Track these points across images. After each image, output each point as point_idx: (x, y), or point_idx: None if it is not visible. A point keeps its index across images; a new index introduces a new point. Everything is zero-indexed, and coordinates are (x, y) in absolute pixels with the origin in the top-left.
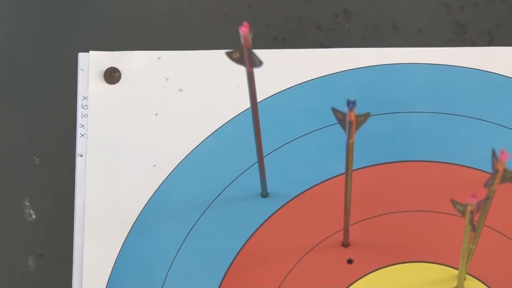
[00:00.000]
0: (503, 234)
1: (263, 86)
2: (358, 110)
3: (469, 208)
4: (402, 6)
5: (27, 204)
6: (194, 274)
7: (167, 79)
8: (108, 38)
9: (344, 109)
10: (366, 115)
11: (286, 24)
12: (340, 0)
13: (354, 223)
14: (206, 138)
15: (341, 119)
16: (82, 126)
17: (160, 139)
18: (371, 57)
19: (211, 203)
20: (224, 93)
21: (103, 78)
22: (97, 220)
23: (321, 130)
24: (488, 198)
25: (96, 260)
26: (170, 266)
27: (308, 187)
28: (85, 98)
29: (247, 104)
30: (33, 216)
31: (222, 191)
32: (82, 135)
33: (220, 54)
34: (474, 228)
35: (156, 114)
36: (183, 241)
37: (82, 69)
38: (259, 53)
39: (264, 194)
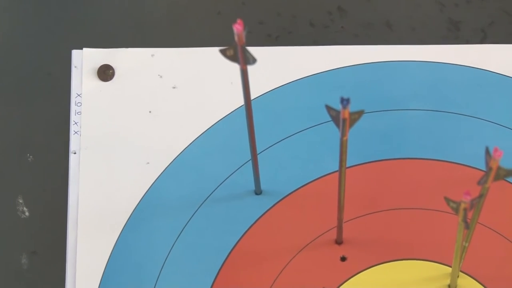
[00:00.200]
0: (496, 232)
1: (257, 84)
2: (352, 107)
3: (462, 206)
4: (395, 3)
5: (21, 201)
6: (187, 271)
7: (161, 77)
8: (102, 35)
9: (338, 106)
10: (360, 113)
11: (280, 22)
12: None
13: (348, 221)
14: (200, 135)
15: (335, 116)
16: (76, 123)
17: (154, 137)
18: (365, 54)
19: (205, 200)
20: (218, 90)
21: (96, 75)
22: (90, 217)
23: (315, 127)
24: (481, 196)
25: (89, 257)
26: (164, 264)
27: (301, 185)
28: (78, 95)
29: (240, 101)
30: (27, 214)
31: (216, 189)
32: (76, 132)
33: (214, 52)
34: (467, 226)
35: (150, 112)
36: (177, 238)
37: (75, 66)
38: (253, 50)
39: (258, 191)
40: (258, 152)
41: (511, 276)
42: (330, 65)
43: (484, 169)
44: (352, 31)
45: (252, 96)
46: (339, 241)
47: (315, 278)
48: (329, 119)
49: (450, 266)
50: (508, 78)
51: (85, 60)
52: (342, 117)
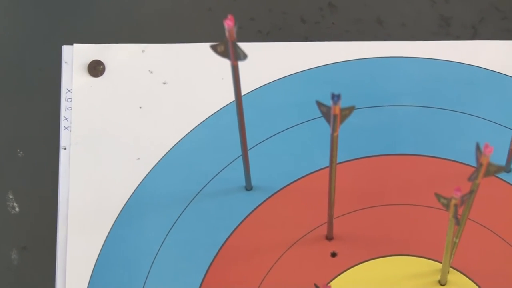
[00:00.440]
0: (487, 228)
1: (248, 80)
2: (343, 103)
3: (453, 202)
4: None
5: (11, 197)
6: (178, 267)
7: (151, 72)
8: (92, 31)
9: (329, 102)
10: (351, 109)
11: (271, 18)
12: None
13: (338, 217)
14: (190, 131)
15: (325, 112)
16: (66, 119)
17: (144, 132)
18: (356, 50)
19: (195, 196)
20: (209, 86)
21: (87, 71)
22: (81, 213)
23: (306, 123)
24: (472, 192)
25: (79, 253)
26: (154, 259)
27: (292, 181)
28: (69, 91)
29: (231, 97)
30: (17, 209)
31: (206, 185)
32: (66, 128)
33: (204, 47)
34: (458, 222)
35: (140, 107)
36: (167, 234)
37: (66, 62)
38: (244, 46)
39: (248, 187)
40: (248, 148)
41: (501, 271)
42: (321, 61)
43: (474, 165)
44: (343, 27)
45: (243, 92)
46: (329, 237)
47: (306, 274)
48: (320, 115)
49: (441, 262)
50: (499, 74)
51: (75, 56)
52: (333, 113)
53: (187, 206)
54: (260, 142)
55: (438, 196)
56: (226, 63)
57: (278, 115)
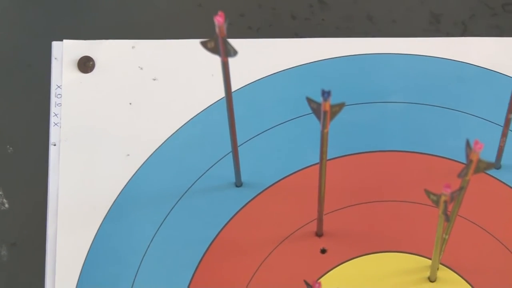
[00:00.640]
0: (476, 224)
1: (238, 76)
2: (333, 100)
3: (443, 198)
4: None
5: (0, 193)
6: (168, 263)
7: (141, 68)
8: (82, 27)
9: (319, 99)
10: (341, 105)
11: (261, 14)
12: None
13: (328, 213)
14: (180, 127)
15: (315, 109)
16: (56, 115)
17: (134, 129)
18: (346, 47)
19: (185, 192)
20: (199, 82)
21: (77, 67)
22: (70, 209)
23: (296, 120)
24: (462, 189)
25: (69, 249)
26: (144, 255)
27: (282, 177)
28: (58, 87)
29: (221, 93)
30: (6, 205)
31: (196, 181)
32: (56, 124)
33: (194, 44)
34: (447, 218)
35: (130, 103)
36: (157, 230)
37: (56, 58)
38: (234, 42)
39: (238, 183)
40: (238, 144)
41: (490, 268)
42: (311, 58)
43: (464, 161)
44: (333, 23)
45: (233, 88)
46: (319, 234)
47: (295, 270)
48: (310, 111)
49: (430, 259)
50: (489, 71)
51: (65, 52)
52: (323, 110)
53: (177, 203)
54: (250, 139)
55: (428, 193)
56: (216, 59)
57: (268, 112)
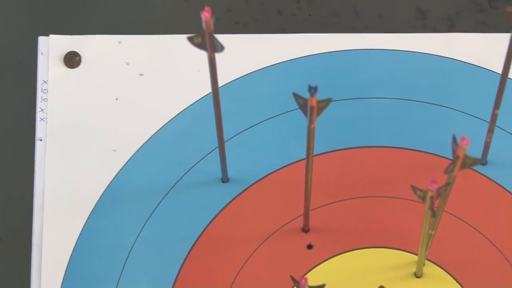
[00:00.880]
0: (462, 220)
1: (224, 71)
2: (320, 95)
3: (429, 194)
4: None
5: None
6: (153, 258)
7: (128, 64)
8: (69, 22)
9: (306, 94)
10: (328, 101)
11: (248, 9)
12: None
13: (315, 209)
14: (167, 123)
15: (302, 104)
16: (42, 110)
17: (120, 124)
18: (332, 42)
19: (171, 188)
20: (185, 78)
21: (63, 62)
22: (56, 204)
23: (282, 115)
24: (448, 184)
25: (55, 244)
26: (130, 251)
27: (268, 173)
28: (45, 82)
29: (208, 89)
30: None
31: (183, 176)
32: (42, 119)
33: (181, 39)
34: (434, 214)
35: (117, 99)
36: (143, 226)
37: (42, 53)
38: (221, 38)
39: (225, 179)
40: (225, 140)
41: (476, 264)
42: (298, 53)
43: (451, 157)
44: (320, 19)
45: (220, 84)
46: (305, 229)
47: (282, 266)
48: (297, 107)
49: (416, 254)
50: (475, 66)
51: (51, 47)
52: (310, 105)
53: (163, 198)
54: (237, 134)
55: (414, 189)
56: (203, 54)
57: (255, 107)
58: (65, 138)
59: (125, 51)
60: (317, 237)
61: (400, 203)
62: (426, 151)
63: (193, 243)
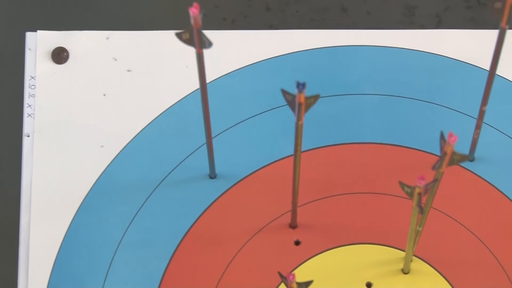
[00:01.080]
0: (450, 217)
1: (212, 67)
2: (308, 92)
3: (417, 191)
4: None
5: None
6: (141, 254)
7: (116, 59)
8: (56, 18)
9: (294, 91)
10: (316, 97)
11: (236, 5)
12: None
13: (302, 205)
14: (155, 119)
15: (290, 101)
16: (30, 106)
17: (108, 120)
18: (320, 39)
19: (159, 184)
20: (173, 74)
21: (50, 58)
22: (44, 200)
23: (270, 111)
24: (436, 181)
25: (43, 240)
26: (118, 247)
27: (256, 169)
28: (32, 78)
29: (196, 85)
30: None
31: (170, 172)
32: (29, 115)
33: (169, 35)
34: (421, 210)
35: (104, 95)
36: (131, 222)
37: (29, 49)
38: (209, 34)
39: (212, 175)
40: (213, 136)
41: (463, 260)
42: (286, 49)
43: (438, 154)
44: (308, 15)
45: (208, 80)
46: (293, 225)
47: (269, 262)
48: (285, 103)
49: (404, 251)
50: (463, 63)
51: (39, 43)
52: (298, 102)
53: (151, 194)
54: (225, 130)
55: (402, 185)
56: (191, 50)
57: (243, 103)
58: (53, 134)
59: (113, 47)
60: (305, 234)
61: (387, 200)
62: (414, 147)
63: (180, 239)
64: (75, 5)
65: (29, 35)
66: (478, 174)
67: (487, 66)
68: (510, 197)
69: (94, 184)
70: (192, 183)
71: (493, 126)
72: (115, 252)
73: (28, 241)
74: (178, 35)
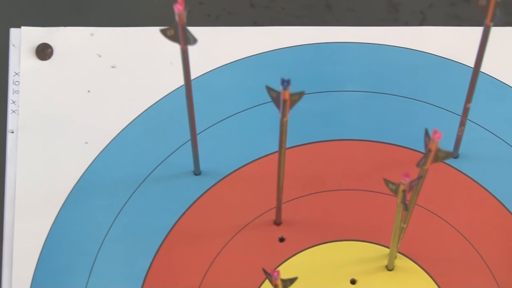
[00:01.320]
0: (434, 214)
1: (197, 64)
2: (292, 88)
3: (401, 187)
4: None
5: None
6: (126, 251)
7: (100, 56)
8: (41, 14)
9: (279, 87)
10: (300, 94)
11: (220, 2)
12: None
13: (287, 202)
14: (139, 115)
15: (275, 97)
16: (14, 102)
17: (92, 116)
18: (305, 35)
19: (144, 180)
20: (158, 70)
21: (35, 54)
22: (28, 196)
23: (255, 108)
24: (420, 178)
25: (27, 236)
26: (102, 243)
27: (241, 165)
28: (16, 74)
29: (180, 81)
30: None
31: (155, 169)
32: (14, 111)
33: (154, 31)
34: (406, 207)
35: (89, 91)
36: (115, 218)
37: (13, 45)
38: (193, 30)
39: (197, 171)
40: (197, 132)
41: (447, 257)
42: (271, 46)
43: (423, 151)
44: (292, 12)
45: (192, 76)
46: (277, 222)
47: (254, 259)
48: (270, 99)
49: (388, 247)
50: (447, 60)
51: (23, 39)
52: (283, 98)
53: (135, 190)
54: (209, 127)
55: (386, 182)
56: (175, 47)
57: (227, 100)
58: (37, 130)
59: (97, 43)
60: (289, 230)
61: (372, 196)
62: (398, 144)
63: (165, 235)
64: (59, 1)
65: (13, 31)
66: (462, 171)
67: (471, 63)
68: (494, 194)
69: (78, 180)
70: (177, 180)
71: (477, 123)
72: (99, 248)
73: (12, 237)
74: (163, 32)
